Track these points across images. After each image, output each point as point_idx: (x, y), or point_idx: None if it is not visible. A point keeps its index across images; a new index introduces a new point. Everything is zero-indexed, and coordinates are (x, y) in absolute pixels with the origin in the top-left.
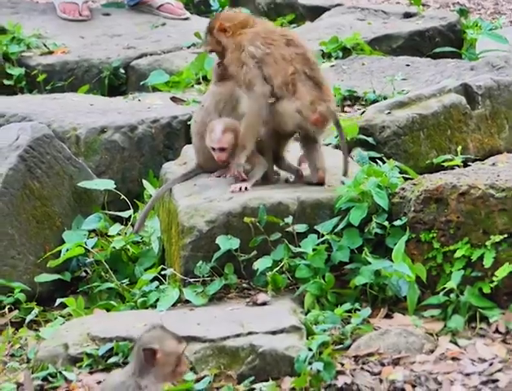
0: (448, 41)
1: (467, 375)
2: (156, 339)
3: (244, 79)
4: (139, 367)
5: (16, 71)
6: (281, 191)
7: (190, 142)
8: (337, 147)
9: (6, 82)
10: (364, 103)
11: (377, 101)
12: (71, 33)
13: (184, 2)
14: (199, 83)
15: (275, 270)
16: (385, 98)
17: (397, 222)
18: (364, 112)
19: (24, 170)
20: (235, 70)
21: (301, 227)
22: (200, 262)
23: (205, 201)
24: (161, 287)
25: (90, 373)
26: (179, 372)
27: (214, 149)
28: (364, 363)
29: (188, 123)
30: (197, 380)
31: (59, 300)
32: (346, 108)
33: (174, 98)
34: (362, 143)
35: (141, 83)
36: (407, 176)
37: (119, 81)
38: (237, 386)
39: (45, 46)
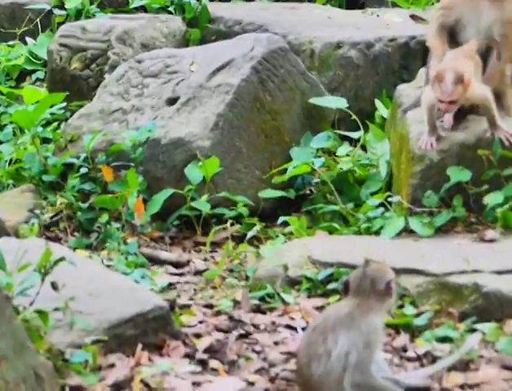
0: None
1: None
2: (387, 271)
3: None
4: (364, 299)
5: None
6: None
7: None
8: None
9: None
10: None
11: None
12: None
13: None
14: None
15: (505, 206)
16: None
17: None
18: None
19: (257, 82)
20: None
21: None
22: (429, 192)
23: (439, 129)
24: (387, 214)
25: (308, 297)
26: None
27: (441, 101)
28: None
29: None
30: (417, 315)
31: (281, 218)
32: None
33: (413, 16)
34: None
35: None
36: None
37: None
38: (458, 324)
39: None
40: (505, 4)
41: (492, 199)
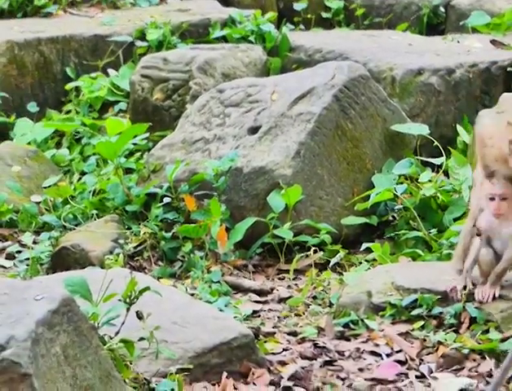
0: None
1: None
2: None
3: None
4: None
5: (335, 4)
6: None
7: (509, 90)
8: None
9: (324, 15)
10: None
11: None
12: None
13: None
14: None
15: None
16: None
17: None
18: None
19: (338, 110)
20: None
21: None
22: None
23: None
24: None
25: (393, 324)
26: None
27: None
28: None
29: (508, 69)
30: (502, 340)
31: (364, 245)
32: None
33: (494, 42)
34: None
35: (460, 23)
36: None
37: (438, 20)
38: None
39: None
40: None
41: None
